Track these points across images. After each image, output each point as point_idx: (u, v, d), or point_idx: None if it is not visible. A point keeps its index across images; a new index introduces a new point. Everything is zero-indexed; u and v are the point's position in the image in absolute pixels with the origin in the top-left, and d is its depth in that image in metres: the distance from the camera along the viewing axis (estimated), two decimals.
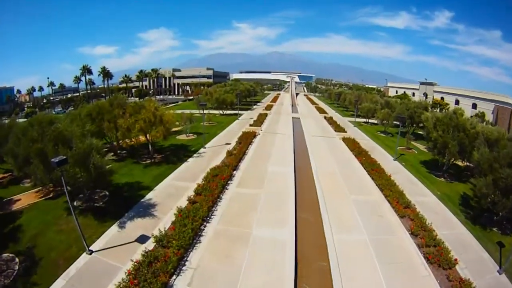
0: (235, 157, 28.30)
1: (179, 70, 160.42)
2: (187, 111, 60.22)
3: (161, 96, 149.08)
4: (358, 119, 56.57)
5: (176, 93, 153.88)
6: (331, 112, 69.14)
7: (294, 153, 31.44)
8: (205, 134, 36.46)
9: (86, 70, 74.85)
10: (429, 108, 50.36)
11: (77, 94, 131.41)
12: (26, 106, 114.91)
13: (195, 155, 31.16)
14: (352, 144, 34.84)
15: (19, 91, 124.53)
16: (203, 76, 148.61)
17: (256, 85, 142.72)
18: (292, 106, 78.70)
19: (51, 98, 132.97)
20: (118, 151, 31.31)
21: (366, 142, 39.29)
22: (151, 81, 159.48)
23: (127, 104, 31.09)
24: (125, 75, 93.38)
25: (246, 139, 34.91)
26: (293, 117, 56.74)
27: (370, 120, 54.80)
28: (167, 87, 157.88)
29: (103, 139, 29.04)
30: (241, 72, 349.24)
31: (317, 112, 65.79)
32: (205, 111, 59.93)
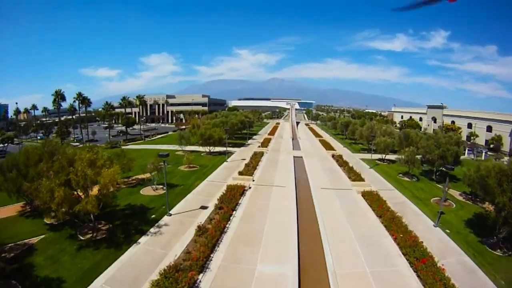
0: (209, 238, 18.17)
1: (174, 97, 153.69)
2: (169, 147, 51.54)
3: (154, 124, 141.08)
4: (369, 154, 47.04)
5: (170, 121, 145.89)
6: (338, 147, 59.55)
7: (297, 228, 21.06)
8: (180, 186, 26.60)
9: (59, 96, 66.22)
10: (462, 143, 40.69)
11: (70, 117, 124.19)
12: (20, 125, 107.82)
13: (152, 229, 21.06)
14: (376, 203, 24.88)
15: (18, 110, 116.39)
16: (198, 104, 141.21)
17: (253, 114, 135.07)
18: (292, 139, 69.34)
19: (44, 119, 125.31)
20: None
21: (391, 194, 29.31)
22: (143, 107, 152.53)
23: (63, 153, 21.40)
24: (106, 102, 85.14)
25: (230, 200, 24.82)
26: (294, 156, 46.98)
27: (386, 156, 45.39)
28: (160, 114, 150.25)
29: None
30: (239, 99, 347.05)
31: (323, 148, 56.15)
32: (189, 148, 50.85)
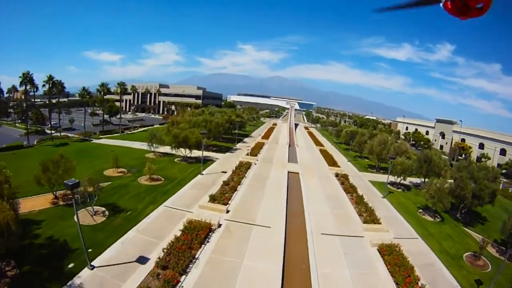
0: None
1: (167, 86, 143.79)
2: (143, 146, 42.16)
3: (144, 114, 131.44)
4: (381, 175, 39.22)
5: (161, 111, 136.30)
6: (342, 161, 50.75)
7: None
8: (126, 212, 17.64)
9: (27, 80, 56.06)
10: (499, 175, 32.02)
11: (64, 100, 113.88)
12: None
13: None
14: (400, 270, 16.76)
15: (15, 88, 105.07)
16: (191, 96, 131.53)
17: (249, 112, 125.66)
18: (289, 146, 60.40)
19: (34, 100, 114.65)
20: None
21: (415, 247, 21.37)
22: (134, 96, 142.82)
23: None
24: (83, 88, 75.23)
25: (183, 252, 15.94)
26: (289, 172, 38.09)
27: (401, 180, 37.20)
28: (151, 104, 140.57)
29: None
30: (239, 95, 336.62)
31: (324, 162, 47.28)
32: (163, 150, 41.71)
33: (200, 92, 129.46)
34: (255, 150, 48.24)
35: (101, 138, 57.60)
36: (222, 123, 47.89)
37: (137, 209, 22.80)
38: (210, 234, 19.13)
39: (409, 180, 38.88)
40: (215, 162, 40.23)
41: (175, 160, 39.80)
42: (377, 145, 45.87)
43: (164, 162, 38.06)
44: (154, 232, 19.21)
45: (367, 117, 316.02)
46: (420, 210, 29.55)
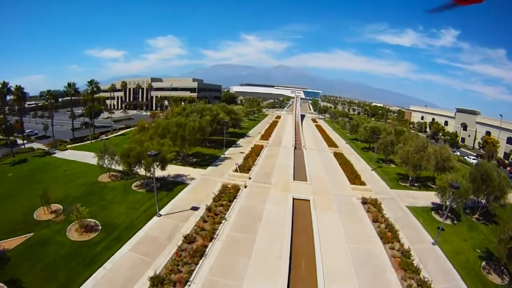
0: None
1: (160, 80, 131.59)
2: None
3: (135, 112, 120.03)
4: (419, 192, 27.75)
5: (154, 108, 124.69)
6: (365, 170, 38.46)
7: None
8: None
9: None
10: None
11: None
12: None
13: None
14: None
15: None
16: (186, 89, 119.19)
17: (250, 104, 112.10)
18: (295, 148, 48.11)
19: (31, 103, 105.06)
20: None
21: None
22: (128, 91, 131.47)
23: None
24: (93, 80, 64.23)
25: None
26: (295, 199, 26.04)
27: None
28: (144, 100, 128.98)
29: None
30: (241, 85, 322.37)
31: (343, 175, 35.08)
32: (120, 167, 29.78)
33: (195, 85, 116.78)
34: (248, 162, 36.01)
35: (66, 149, 46.36)
36: (203, 125, 35.56)
37: None
38: None
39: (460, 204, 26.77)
40: (187, 188, 28.28)
41: (133, 186, 28.10)
42: (415, 153, 33.29)
43: (116, 191, 26.50)
44: None
45: (374, 104, 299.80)
46: (487, 271, 17.83)
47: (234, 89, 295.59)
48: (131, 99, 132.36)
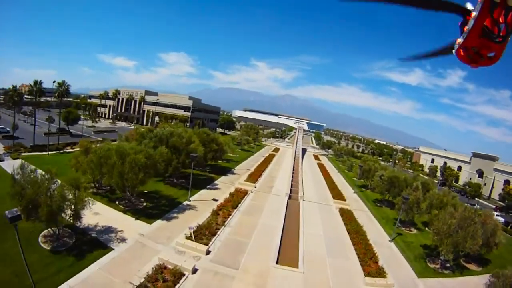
0: None
1: (156, 94, 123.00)
2: None
3: (124, 124, 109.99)
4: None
5: (145, 123, 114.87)
6: (381, 241, 26.76)
7: None
8: None
9: None
10: None
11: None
12: None
13: None
14: None
15: None
16: (179, 107, 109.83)
17: (245, 132, 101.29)
18: (289, 197, 36.54)
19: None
20: None
21: None
22: (120, 101, 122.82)
23: None
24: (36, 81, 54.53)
25: None
26: None
27: None
28: (135, 113, 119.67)
29: None
30: (245, 110, 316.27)
31: (352, 253, 23.44)
32: None
33: (190, 103, 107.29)
34: (217, 219, 24.38)
35: (18, 157, 36.86)
36: (155, 160, 24.41)
37: None
38: None
39: None
40: (106, 257, 17.03)
41: (42, 235, 17.13)
42: (458, 226, 22.34)
43: (11, 241, 15.78)
44: None
45: (377, 141, 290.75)
46: None
47: (237, 113, 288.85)
48: (123, 110, 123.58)
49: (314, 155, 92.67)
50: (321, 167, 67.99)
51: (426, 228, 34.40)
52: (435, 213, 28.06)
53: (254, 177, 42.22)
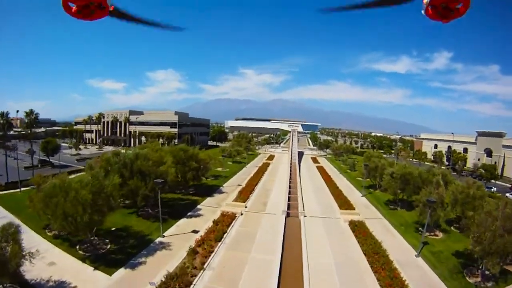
0: None
1: (141, 113, 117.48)
2: None
3: (111, 148, 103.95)
4: None
5: (132, 145, 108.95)
6: (406, 259, 21.13)
7: None
8: None
9: None
10: None
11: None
12: None
13: None
14: None
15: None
16: (165, 124, 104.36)
17: (236, 142, 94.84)
18: (287, 215, 30.77)
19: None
20: None
21: None
22: (105, 125, 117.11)
23: None
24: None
25: None
26: None
27: None
28: (121, 135, 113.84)
29: None
30: (237, 119, 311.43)
31: None
32: None
33: (175, 118, 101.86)
34: (192, 262, 18.60)
35: None
36: (107, 192, 18.71)
37: None
38: None
39: None
40: None
41: None
42: (503, 229, 17.06)
43: None
44: None
45: (374, 134, 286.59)
46: None
47: (229, 123, 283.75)
48: (109, 133, 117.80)
49: (312, 158, 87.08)
50: (321, 170, 62.32)
51: (452, 228, 30.25)
52: (469, 215, 22.81)
53: (245, 194, 36.35)
